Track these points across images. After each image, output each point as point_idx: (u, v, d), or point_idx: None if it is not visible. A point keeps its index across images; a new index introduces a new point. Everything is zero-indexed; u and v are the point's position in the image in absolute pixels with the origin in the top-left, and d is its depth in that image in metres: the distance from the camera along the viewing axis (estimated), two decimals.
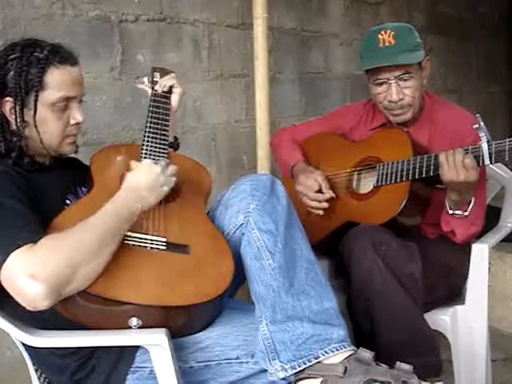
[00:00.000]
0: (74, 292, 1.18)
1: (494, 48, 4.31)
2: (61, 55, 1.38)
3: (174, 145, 1.63)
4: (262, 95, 2.39)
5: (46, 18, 2.01)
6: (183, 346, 1.30)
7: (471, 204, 1.68)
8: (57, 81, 1.36)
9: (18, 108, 1.34)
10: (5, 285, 1.15)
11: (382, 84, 1.80)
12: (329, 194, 1.86)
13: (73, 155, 1.55)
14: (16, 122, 1.35)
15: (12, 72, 1.34)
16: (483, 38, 4.15)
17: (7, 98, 1.35)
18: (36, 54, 1.35)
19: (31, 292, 1.11)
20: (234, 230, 1.42)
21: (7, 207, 1.20)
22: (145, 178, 1.36)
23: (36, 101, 1.34)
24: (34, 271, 1.11)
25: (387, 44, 1.75)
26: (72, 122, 1.41)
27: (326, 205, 1.86)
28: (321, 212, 1.88)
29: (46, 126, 1.38)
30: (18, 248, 1.13)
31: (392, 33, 1.75)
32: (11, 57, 1.35)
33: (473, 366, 1.81)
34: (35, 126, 1.35)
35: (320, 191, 1.86)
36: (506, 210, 2.07)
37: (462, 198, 1.66)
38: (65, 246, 1.17)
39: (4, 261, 1.13)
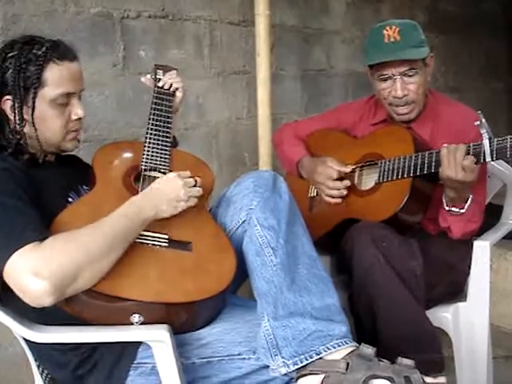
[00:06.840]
0: (78, 291, 1.18)
1: (496, 45, 4.30)
2: (59, 51, 1.38)
3: (173, 144, 1.62)
4: (264, 92, 2.38)
5: (48, 14, 2.01)
6: (185, 342, 1.30)
7: (468, 202, 1.68)
8: (56, 77, 1.36)
9: (17, 106, 1.34)
10: (9, 283, 1.16)
11: (386, 80, 1.80)
12: (348, 169, 1.87)
13: (73, 152, 1.55)
14: (15, 120, 1.35)
15: (11, 70, 1.33)
16: (484, 35, 4.13)
17: (7, 97, 1.35)
18: (34, 51, 1.35)
19: (35, 289, 1.11)
20: (237, 226, 1.42)
21: (10, 206, 1.20)
22: (164, 189, 1.36)
23: (34, 98, 1.34)
24: (38, 268, 1.12)
25: (392, 40, 1.75)
26: (73, 117, 1.42)
27: (345, 192, 1.86)
28: (339, 200, 1.87)
29: (48, 123, 1.38)
30: (23, 246, 1.14)
31: (397, 29, 1.75)
32: (10, 54, 1.35)
33: (474, 363, 1.81)
34: (33, 124, 1.35)
35: (338, 179, 1.86)
36: (507, 208, 2.07)
37: (459, 195, 1.66)
38: (71, 246, 1.17)
39: (8, 259, 1.13)
